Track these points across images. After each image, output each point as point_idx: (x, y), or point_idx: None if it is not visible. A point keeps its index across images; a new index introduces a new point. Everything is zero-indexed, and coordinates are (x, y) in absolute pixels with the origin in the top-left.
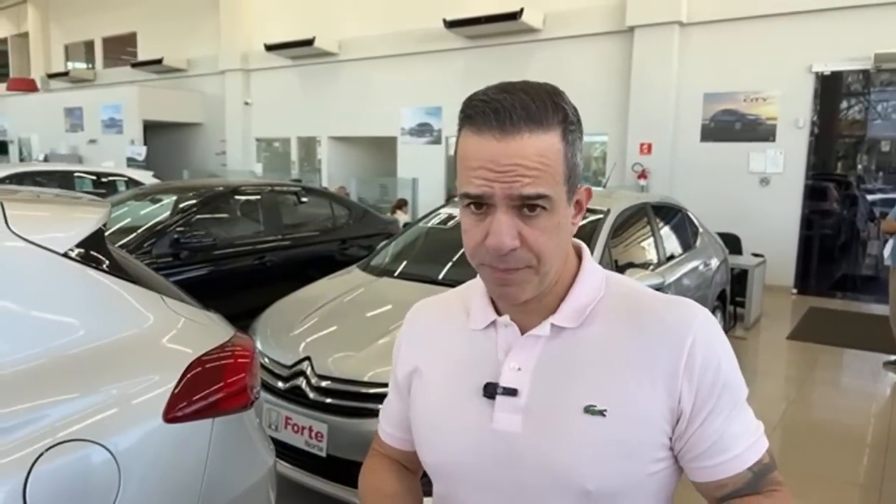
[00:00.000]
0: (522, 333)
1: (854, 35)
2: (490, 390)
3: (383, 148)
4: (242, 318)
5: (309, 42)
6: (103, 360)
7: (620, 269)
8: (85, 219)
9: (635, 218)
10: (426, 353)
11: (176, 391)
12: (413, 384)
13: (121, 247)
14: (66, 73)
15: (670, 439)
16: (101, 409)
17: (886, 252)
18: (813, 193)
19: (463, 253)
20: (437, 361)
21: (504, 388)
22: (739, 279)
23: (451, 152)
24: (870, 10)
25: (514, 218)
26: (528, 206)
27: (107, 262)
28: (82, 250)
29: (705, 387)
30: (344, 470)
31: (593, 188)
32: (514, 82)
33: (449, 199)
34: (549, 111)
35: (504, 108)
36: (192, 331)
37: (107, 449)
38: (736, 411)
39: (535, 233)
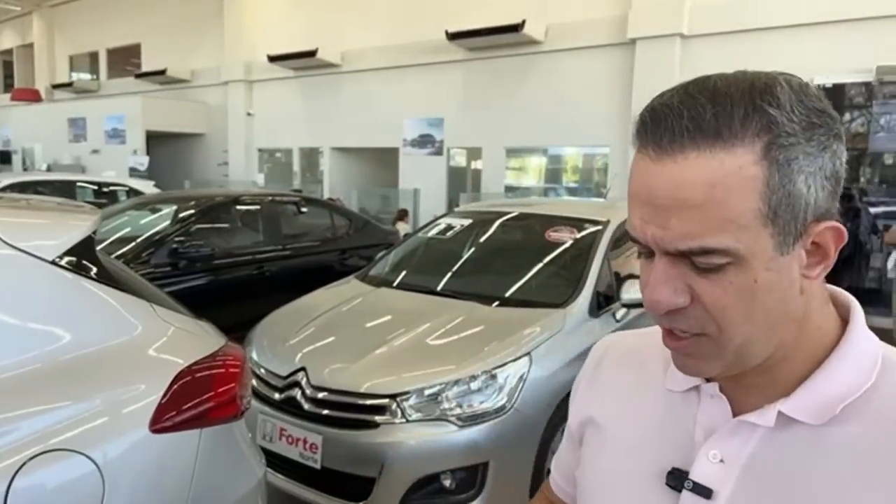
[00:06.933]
0: (735, 412)
1: (856, 47)
2: (676, 479)
3: (385, 159)
4: (241, 329)
5: (311, 53)
6: (89, 369)
7: (621, 281)
8: (74, 226)
9: None
10: (607, 403)
11: (163, 401)
12: (586, 436)
13: (119, 256)
14: (70, 84)
15: None
16: (86, 419)
17: (890, 264)
18: None
19: (463, 262)
20: (618, 419)
21: (695, 484)
22: None
23: (452, 163)
24: (872, 23)
25: (679, 267)
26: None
27: (95, 269)
28: (71, 258)
29: None
30: (338, 482)
31: (595, 199)
32: (711, 76)
33: (450, 209)
34: (735, 118)
35: (665, 116)
36: (182, 340)
37: (91, 459)
38: None
39: (715, 291)
